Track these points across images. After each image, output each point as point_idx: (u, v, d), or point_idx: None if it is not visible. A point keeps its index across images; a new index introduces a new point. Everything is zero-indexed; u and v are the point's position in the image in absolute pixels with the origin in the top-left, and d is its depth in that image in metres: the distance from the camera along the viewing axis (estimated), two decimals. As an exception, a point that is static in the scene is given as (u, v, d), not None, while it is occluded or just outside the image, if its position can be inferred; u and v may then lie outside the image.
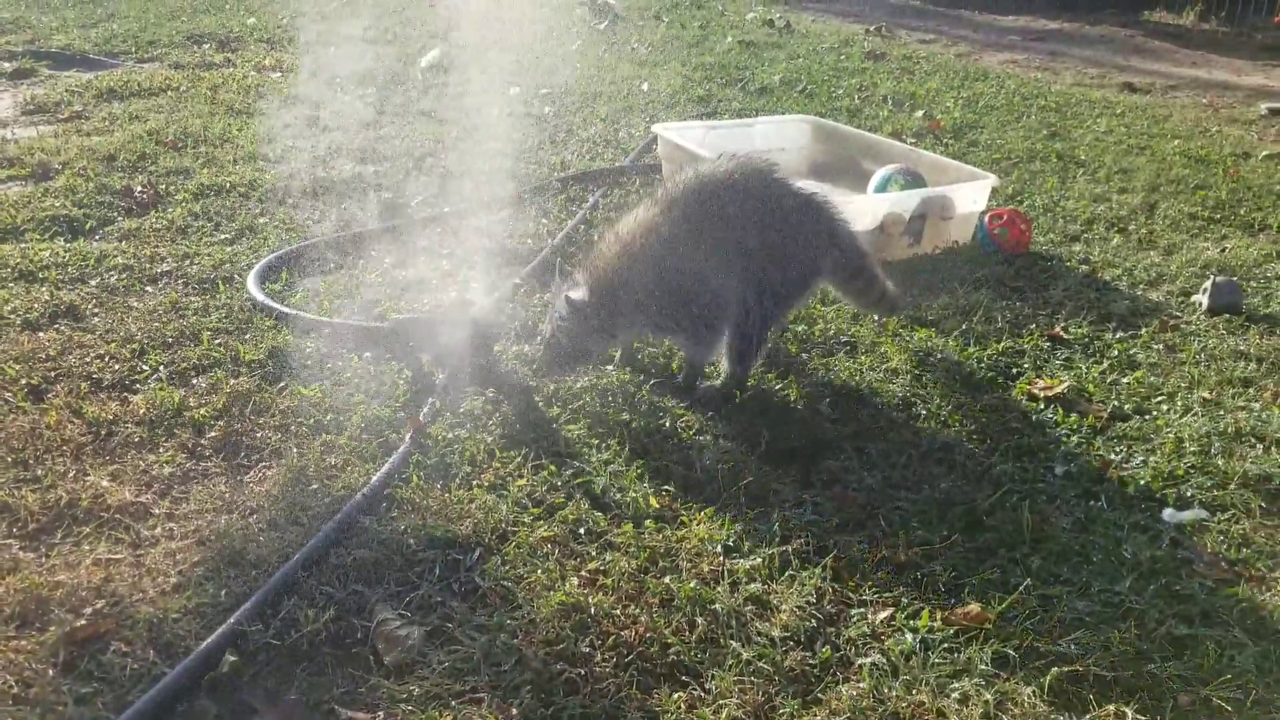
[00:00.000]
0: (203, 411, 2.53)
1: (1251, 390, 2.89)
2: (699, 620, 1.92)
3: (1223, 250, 3.96)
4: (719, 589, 1.99)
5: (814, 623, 1.94)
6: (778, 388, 2.80)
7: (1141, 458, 2.55)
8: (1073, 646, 1.88)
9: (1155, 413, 2.76)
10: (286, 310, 3.04)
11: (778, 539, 2.15)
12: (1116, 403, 2.79)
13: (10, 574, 1.96)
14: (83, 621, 1.85)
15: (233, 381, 2.67)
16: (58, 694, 1.70)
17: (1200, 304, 3.44)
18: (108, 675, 1.75)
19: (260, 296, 3.12)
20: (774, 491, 2.34)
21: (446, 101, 5.79)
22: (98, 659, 1.78)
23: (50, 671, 1.75)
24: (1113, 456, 2.55)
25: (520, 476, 2.33)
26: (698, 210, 2.64)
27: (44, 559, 2.02)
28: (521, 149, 4.87)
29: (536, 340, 2.84)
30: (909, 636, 1.89)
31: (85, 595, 1.91)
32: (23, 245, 3.47)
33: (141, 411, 2.52)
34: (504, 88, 6.10)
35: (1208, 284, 3.46)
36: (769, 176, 2.72)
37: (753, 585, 2.01)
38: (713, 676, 1.80)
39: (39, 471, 2.28)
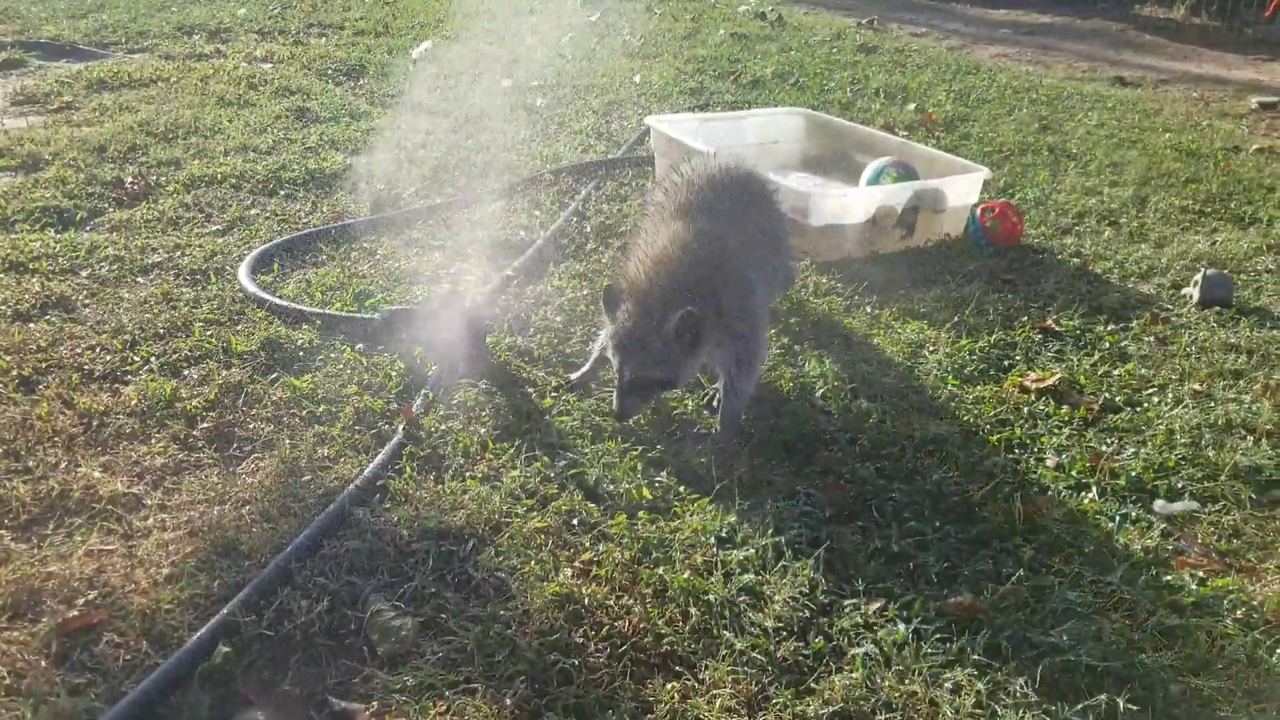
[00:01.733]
0: (195, 403, 2.52)
1: (1242, 382, 2.91)
2: (692, 611, 1.92)
3: (1213, 243, 3.97)
4: (712, 580, 1.99)
5: (807, 613, 1.94)
6: (771, 380, 2.80)
7: (1133, 449, 2.56)
8: (1064, 637, 1.89)
9: (1146, 405, 2.77)
10: (278, 301, 3.03)
11: (771, 530, 2.15)
12: (1108, 395, 2.80)
13: (2, 565, 1.95)
14: (75, 612, 1.84)
15: (224, 373, 2.66)
16: (51, 685, 1.69)
17: (1191, 297, 3.46)
18: (101, 666, 1.75)
19: (251, 287, 3.11)
20: (767, 483, 2.35)
21: (438, 94, 5.77)
22: (90, 650, 1.78)
23: (43, 662, 1.75)
24: (1104, 448, 2.56)
25: (514, 468, 2.33)
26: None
27: (36, 550, 2.01)
28: (514, 141, 4.86)
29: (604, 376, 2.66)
30: (902, 626, 1.90)
31: (78, 586, 1.91)
32: (13, 236, 3.46)
33: (133, 403, 2.51)
34: (496, 80, 6.08)
35: (1198, 277, 3.47)
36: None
37: (746, 576, 2.01)
38: (706, 666, 1.80)
39: (30, 462, 2.27)
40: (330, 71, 6.16)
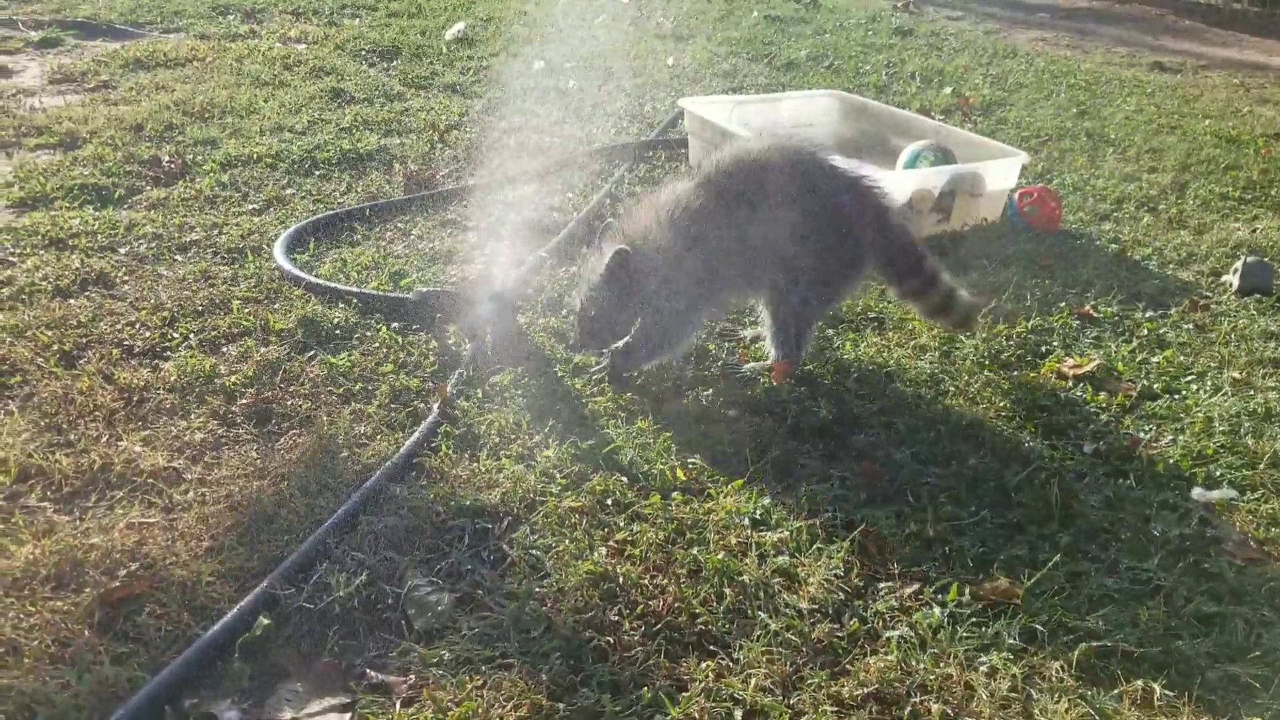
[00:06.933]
0: (233, 379, 2.55)
1: (1282, 371, 2.87)
2: (727, 591, 1.92)
3: (1254, 231, 3.92)
4: (747, 561, 2.00)
5: (842, 595, 1.94)
6: (805, 364, 2.79)
7: (1171, 437, 2.53)
8: (1101, 622, 1.88)
9: (1185, 392, 2.74)
10: (316, 281, 3.05)
11: (805, 512, 2.15)
12: (1146, 382, 2.78)
13: (46, 536, 1.98)
14: (117, 583, 1.87)
15: (262, 350, 2.68)
16: (94, 653, 1.72)
17: (1231, 284, 3.41)
18: (143, 636, 1.77)
19: (286, 265, 3.13)
20: (801, 465, 2.34)
21: (471, 75, 5.77)
22: (133, 620, 1.80)
23: (86, 632, 1.77)
24: (1142, 435, 2.53)
25: (548, 447, 2.34)
26: (729, 189, 2.57)
27: (78, 522, 2.04)
28: (546, 123, 4.86)
29: (565, 313, 2.84)
30: (937, 610, 1.89)
31: (119, 558, 1.93)
32: (53, 213, 3.49)
33: (173, 378, 2.54)
34: (529, 61, 6.08)
35: (1238, 264, 3.43)
36: (807, 156, 2.63)
37: (780, 558, 2.01)
38: (741, 647, 1.81)
39: (72, 436, 2.30)
40: (364, 52, 6.17)
